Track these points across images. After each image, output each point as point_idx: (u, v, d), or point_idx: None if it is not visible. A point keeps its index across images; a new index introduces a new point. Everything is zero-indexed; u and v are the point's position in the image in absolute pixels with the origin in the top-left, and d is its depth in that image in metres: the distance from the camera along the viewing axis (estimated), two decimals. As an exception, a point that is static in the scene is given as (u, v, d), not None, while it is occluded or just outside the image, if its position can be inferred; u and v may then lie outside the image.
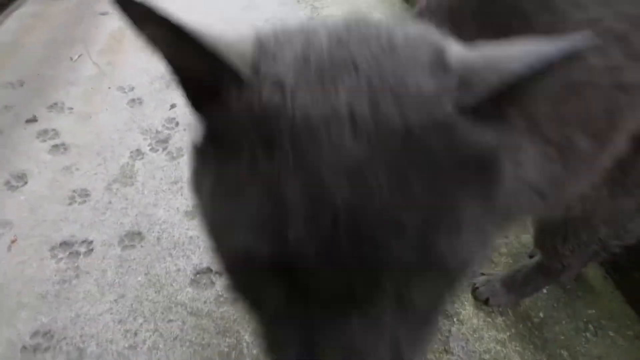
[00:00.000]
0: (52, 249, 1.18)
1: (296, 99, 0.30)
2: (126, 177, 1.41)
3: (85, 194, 1.35)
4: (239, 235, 0.32)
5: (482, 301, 1.03)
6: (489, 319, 1.01)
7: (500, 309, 1.03)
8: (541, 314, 1.03)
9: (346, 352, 0.31)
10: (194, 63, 0.31)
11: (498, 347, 0.96)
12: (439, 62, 0.32)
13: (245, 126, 0.31)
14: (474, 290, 1.04)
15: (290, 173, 0.29)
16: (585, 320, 1.03)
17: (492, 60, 0.31)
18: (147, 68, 1.89)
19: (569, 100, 0.48)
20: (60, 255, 1.17)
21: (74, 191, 1.36)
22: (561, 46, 0.28)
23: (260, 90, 0.31)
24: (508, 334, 0.99)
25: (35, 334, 0.99)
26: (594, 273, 1.11)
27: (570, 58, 0.28)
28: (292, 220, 0.29)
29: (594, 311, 1.05)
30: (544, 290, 1.07)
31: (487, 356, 0.94)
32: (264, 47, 0.33)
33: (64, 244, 1.20)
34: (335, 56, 0.32)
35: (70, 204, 1.32)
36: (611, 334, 1.01)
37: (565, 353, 0.97)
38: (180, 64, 0.33)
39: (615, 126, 0.51)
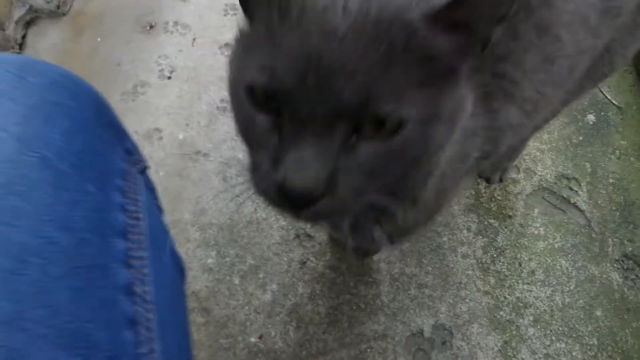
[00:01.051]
0: (220, 47, 1.63)
1: None
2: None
3: (234, 7, 1.72)
4: (247, 73, 0.42)
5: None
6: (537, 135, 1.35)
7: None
8: (580, 137, 1.36)
9: (295, 167, 0.39)
10: None
11: (537, 153, 1.34)
12: None
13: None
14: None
15: (291, 32, 0.39)
16: (614, 147, 1.34)
17: None
18: None
19: (547, 68, 0.62)
20: (226, 53, 1.62)
21: (226, 5, 1.73)
22: None
23: None
24: (548, 146, 1.34)
25: (222, 100, 1.51)
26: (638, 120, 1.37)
27: None
28: (282, 61, 0.38)
29: (625, 142, 1.35)
30: (590, 122, 1.37)
31: (527, 158, 1.32)
32: None
33: (227, 45, 1.63)
34: None
35: (225, 14, 1.71)
36: (632, 159, 1.33)
37: (588, 165, 1.32)
38: None
39: (573, 75, 0.69)
